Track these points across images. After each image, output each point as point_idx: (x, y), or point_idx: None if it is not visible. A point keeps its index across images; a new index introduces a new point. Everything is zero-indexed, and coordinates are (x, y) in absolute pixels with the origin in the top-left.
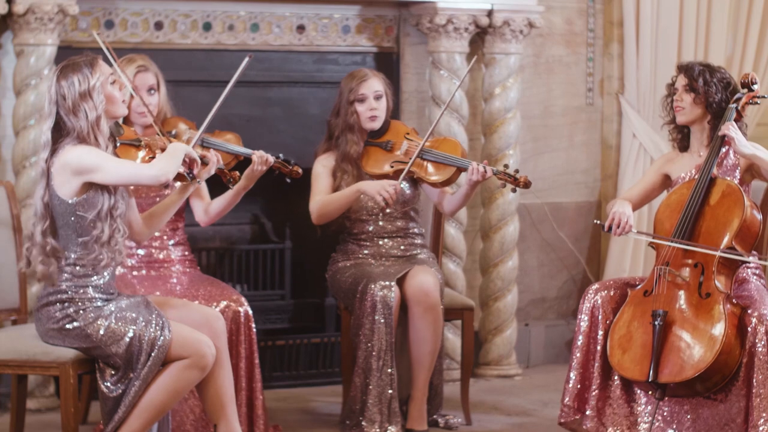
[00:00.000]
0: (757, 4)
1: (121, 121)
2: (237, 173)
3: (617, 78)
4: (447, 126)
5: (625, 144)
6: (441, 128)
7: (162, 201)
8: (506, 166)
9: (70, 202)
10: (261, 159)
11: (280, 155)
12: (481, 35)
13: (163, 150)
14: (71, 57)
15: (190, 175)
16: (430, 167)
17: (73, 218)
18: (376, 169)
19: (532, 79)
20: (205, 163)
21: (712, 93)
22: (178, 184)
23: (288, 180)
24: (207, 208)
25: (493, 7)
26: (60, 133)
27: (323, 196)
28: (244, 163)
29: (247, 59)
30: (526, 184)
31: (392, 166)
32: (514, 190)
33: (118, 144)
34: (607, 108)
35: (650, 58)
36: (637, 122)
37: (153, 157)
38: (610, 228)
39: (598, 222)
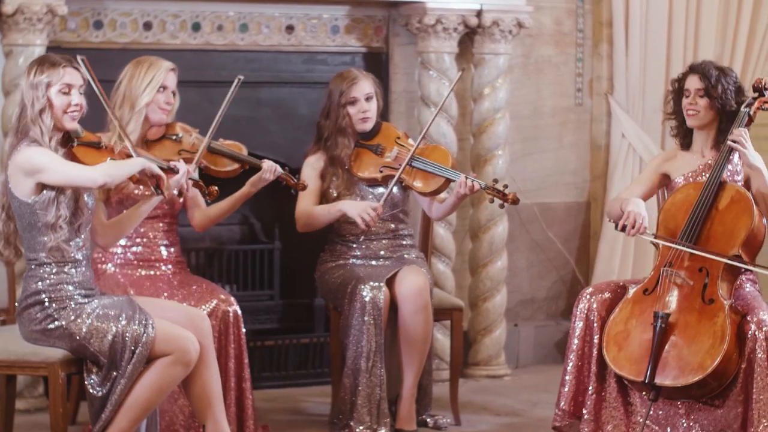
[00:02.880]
0: (746, 4)
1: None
2: (215, 188)
3: (606, 78)
4: (436, 126)
5: (614, 144)
6: (430, 129)
7: (128, 210)
8: (495, 180)
9: (29, 201)
10: (270, 168)
11: (287, 168)
12: (470, 35)
13: (126, 155)
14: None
15: (158, 191)
16: (419, 177)
17: (34, 218)
18: (365, 173)
19: (521, 80)
20: (174, 171)
21: (729, 100)
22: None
23: (293, 192)
24: (204, 213)
25: (482, 8)
26: (23, 114)
27: (309, 207)
28: (247, 173)
29: (237, 80)
30: (515, 201)
31: (381, 171)
32: (501, 206)
33: (75, 144)
34: (596, 108)
35: (639, 58)
36: (627, 122)
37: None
38: (624, 228)
39: (611, 221)
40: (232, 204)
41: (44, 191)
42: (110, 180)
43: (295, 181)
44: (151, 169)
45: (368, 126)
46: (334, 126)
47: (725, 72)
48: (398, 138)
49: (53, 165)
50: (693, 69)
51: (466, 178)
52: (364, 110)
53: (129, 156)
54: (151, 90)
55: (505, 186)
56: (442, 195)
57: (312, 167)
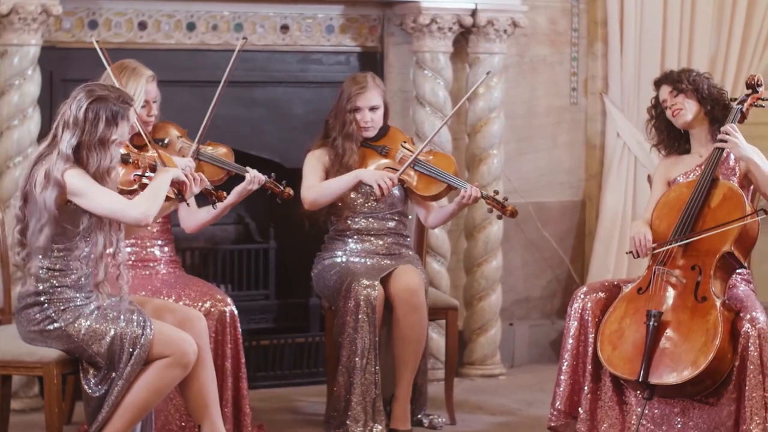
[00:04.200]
0: (741, 4)
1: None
2: (224, 193)
3: (601, 77)
4: (431, 126)
5: (609, 143)
6: (425, 129)
7: None
8: (496, 192)
9: (51, 208)
10: (253, 179)
11: (272, 174)
12: (465, 35)
13: (151, 168)
14: (105, 85)
15: (180, 197)
16: (422, 180)
17: (51, 222)
18: None
19: (516, 79)
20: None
21: (699, 83)
22: None
23: (279, 201)
24: (193, 217)
25: (477, 7)
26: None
27: (317, 182)
28: (233, 179)
29: (242, 40)
30: (513, 214)
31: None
32: (499, 217)
33: None
34: (591, 107)
35: (634, 57)
36: (621, 122)
37: (140, 174)
38: (637, 253)
39: (628, 252)
40: (218, 212)
41: (69, 204)
42: (151, 220)
43: (281, 188)
44: (178, 177)
45: (370, 134)
46: (341, 129)
47: (685, 69)
48: (404, 142)
49: (94, 193)
50: (656, 83)
51: (470, 187)
52: (366, 120)
53: (153, 167)
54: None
55: (505, 198)
56: (436, 203)
57: (317, 158)
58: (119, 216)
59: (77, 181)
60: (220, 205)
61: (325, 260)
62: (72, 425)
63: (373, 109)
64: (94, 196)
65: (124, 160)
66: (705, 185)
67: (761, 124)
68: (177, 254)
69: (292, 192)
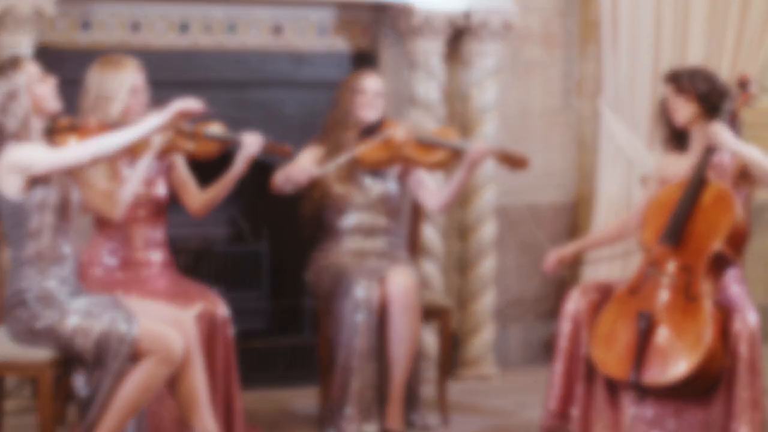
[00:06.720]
0: (734, 6)
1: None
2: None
3: (594, 79)
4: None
5: (602, 145)
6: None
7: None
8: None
9: (19, 201)
10: (253, 141)
11: (271, 136)
12: (458, 36)
13: (106, 126)
14: None
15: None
16: (423, 149)
17: (24, 216)
18: (366, 148)
19: (510, 81)
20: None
21: (699, 85)
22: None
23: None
24: (199, 199)
25: (470, 9)
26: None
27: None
28: (227, 158)
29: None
30: (523, 163)
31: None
32: (512, 168)
33: (54, 134)
34: (584, 109)
35: (628, 59)
36: (615, 123)
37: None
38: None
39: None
40: (226, 184)
41: (34, 189)
42: (98, 154)
43: (279, 147)
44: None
45: (370, 114)
46: (341, 112)
47: (695, 68)
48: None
49: (40, 155)
50: (665, 79)
51: (476, 145)
52: (368, 99)
53: (107, 126)
54: (123, 98)
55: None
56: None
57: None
58: (65, 161)
59: (23, 152)
60: (229, 174)
61: (321, 261)
62: (66, 426)
63: (375, 95)
64: (41, 156)
65: (72, 128)
66: (695, 185)
67: (758, 125)
68: (170, 256)
69: (291, 148)
